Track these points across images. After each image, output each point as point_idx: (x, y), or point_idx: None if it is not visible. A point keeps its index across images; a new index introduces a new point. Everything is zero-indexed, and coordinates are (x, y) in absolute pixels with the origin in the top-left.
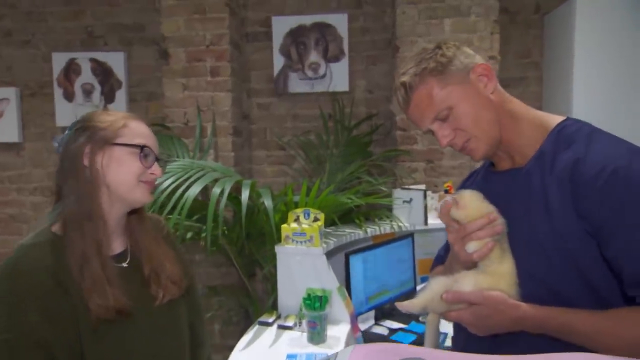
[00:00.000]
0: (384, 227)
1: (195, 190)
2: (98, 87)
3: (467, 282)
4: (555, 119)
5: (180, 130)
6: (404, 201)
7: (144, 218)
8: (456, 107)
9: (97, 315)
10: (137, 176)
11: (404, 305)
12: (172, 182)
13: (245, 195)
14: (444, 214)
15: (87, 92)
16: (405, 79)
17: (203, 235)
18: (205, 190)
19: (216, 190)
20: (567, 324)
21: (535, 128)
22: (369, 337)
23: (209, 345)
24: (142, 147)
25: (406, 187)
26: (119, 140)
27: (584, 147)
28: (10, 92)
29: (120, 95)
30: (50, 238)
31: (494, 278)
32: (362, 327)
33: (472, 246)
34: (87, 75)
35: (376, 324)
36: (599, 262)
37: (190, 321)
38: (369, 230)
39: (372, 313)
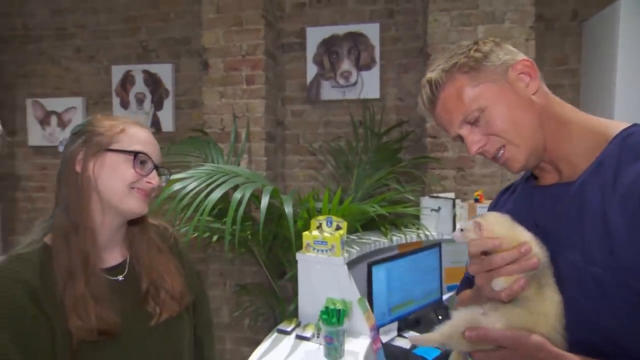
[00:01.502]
0: (410, 236)
1: (216, 194)
2: (149, 96)
3: (498, 317)
4: (617, 125)
5: (217, 135)
6: (432, 210)
7: (146, 228)
8: (489, 109)
9: (78, 337)
10: (129, 183)
11: (420, 340)
12: (196, 187)
13: (264, 201)
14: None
15: (140, 101)
16: (432, 75)
17: (229, 237)
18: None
19: (237, 195)
20: None
21: (590, 135)
22: (390, 351)
23: None
24: (136, 154)
25: (435, 195)
26: (114, 146)
27: None
28: (78, 102)
29: (168, 103)
30: (38, 249)
31: (532, 317)
32: (384, 339)
33: (499, 283)
34: (140, 86)
35: (399, 335)
36: None
37: (198, 337)
38: (394, 238)
39: (395, 324)
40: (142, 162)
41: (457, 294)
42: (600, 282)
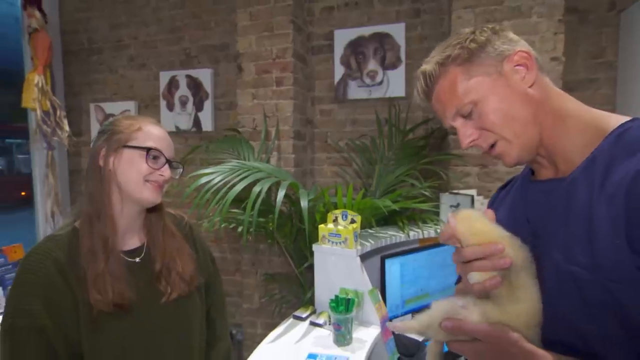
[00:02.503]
0: (428, 231)
1: (237, 188)
2: (191, 99)
3: (475, 310)
4: (618, 120)
5: (249, 134)
6: (451, 206)
7: (162, 216)
8: (482, 103)
9: (97, 308)
10: (143, 176)
11: (397, 326)
12: (220, 181)
13: (280, 194)
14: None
15: (183, 103)
16: (426, 67)
17: (248, 228)
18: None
19: (256, 189)
20: None
21: (588, 130)
22: (401, 342)
23: (228, 339)
24: (148, 149)
25: (454, 191)
26: (130, 143)
27: None
28: (131, 105)
29: (208, 105)
30: (68, 232)
31: (504, 315)
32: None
33: (473, 277)
34: (183, 89)
35: None
36: None
37: (211, 317)
38: (411, 233)
39: (408, 317)
40: (155, 157)
41: (455, 284)
42: (579, 282)
